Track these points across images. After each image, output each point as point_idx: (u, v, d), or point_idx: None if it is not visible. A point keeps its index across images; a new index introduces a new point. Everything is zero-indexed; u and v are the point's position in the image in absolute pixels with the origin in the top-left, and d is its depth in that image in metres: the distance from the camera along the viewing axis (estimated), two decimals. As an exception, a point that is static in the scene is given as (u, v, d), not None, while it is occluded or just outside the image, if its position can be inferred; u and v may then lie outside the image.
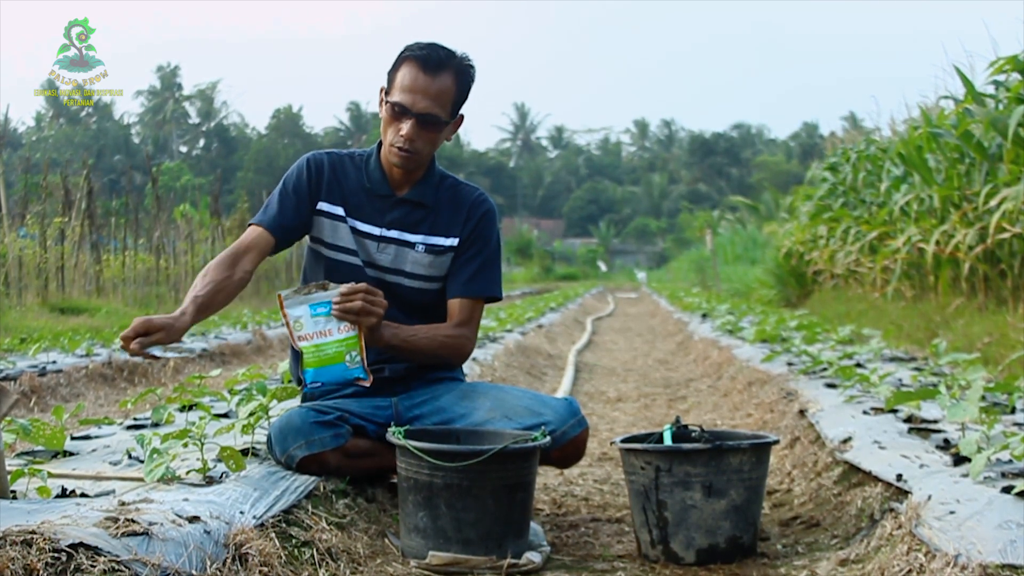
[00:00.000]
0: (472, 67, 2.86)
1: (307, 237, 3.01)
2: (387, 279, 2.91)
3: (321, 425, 2.73)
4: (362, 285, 2.64)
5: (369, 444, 2.83)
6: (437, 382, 3.00)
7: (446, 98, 2.80)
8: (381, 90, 2.88)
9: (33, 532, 1.69)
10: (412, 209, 2.93)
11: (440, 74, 2.78)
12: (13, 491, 2.22)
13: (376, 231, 2.91)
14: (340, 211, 2.92)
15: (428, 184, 2.95)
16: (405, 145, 2.80)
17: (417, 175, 2.94)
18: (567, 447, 2.88)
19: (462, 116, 2.91)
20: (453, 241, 2.94)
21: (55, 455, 2.84)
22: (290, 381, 3.30)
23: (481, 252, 2.95)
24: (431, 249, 2.93)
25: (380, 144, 2.95)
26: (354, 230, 2.91)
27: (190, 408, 3.41)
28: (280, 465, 2.73)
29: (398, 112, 2.79)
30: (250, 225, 2.94)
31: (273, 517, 2.33)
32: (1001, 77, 7.63)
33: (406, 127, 2.78)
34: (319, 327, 2.61)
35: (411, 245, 2.91)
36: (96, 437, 3.20)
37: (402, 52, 2.82)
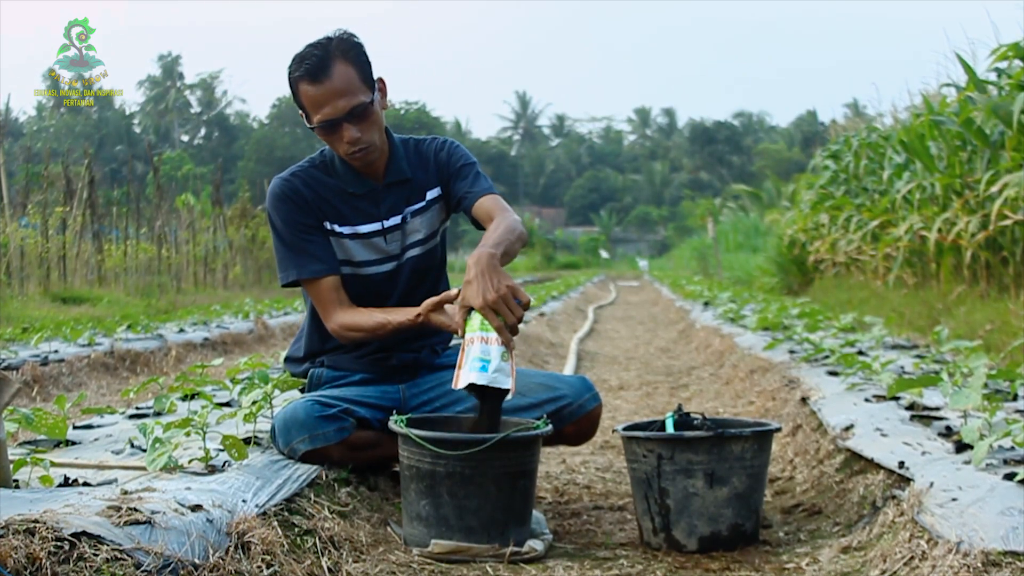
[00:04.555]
0: (354, 37, 2.78)
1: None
2: (403, 260, 2.94)
3: (325, 419, 2.72)
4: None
5: (373, 435, 2.82)
6: (444, 368, 3.00)
7: (354, 83, 2.74)
8: (300, 115, 2.83)
9: (36, 521, 1.69)
10: (399, 188, 2.94)
11: (332, 71, 2.71)
12: (16, 480, 2.23)
13: (377, 227, 2.91)
14: (337, 227, 2.90)
15: (398, 158, 2.95)
16: (357, 147, 2.78)
17: (385, 157, 2.93)
18: (582, 421, 2.91)
19: (382, 80, 2.85)
20: (435, 192, 2.98)
21: (57, 444, 2.85)
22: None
23: (466, 169, 2.96)
24: (418, 212, 2.95)
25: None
26: (356, 235, 2.89)
27: (192, 397, 3.42)
28: (283, 455, 2.73)
29: (328, 127, 2.75)
30: (307, 282, 2.86)
31: (275, 506, 2.33)
32: (1003, 64, 7.61)
33: (346, 132, 2.75)
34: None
35: (405, 220, 2.93)
36: (98, 426, 3.21)
37: (289, 77, 2.77)
